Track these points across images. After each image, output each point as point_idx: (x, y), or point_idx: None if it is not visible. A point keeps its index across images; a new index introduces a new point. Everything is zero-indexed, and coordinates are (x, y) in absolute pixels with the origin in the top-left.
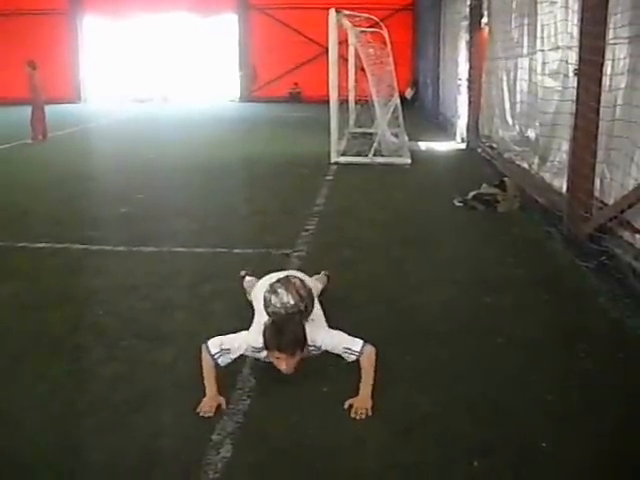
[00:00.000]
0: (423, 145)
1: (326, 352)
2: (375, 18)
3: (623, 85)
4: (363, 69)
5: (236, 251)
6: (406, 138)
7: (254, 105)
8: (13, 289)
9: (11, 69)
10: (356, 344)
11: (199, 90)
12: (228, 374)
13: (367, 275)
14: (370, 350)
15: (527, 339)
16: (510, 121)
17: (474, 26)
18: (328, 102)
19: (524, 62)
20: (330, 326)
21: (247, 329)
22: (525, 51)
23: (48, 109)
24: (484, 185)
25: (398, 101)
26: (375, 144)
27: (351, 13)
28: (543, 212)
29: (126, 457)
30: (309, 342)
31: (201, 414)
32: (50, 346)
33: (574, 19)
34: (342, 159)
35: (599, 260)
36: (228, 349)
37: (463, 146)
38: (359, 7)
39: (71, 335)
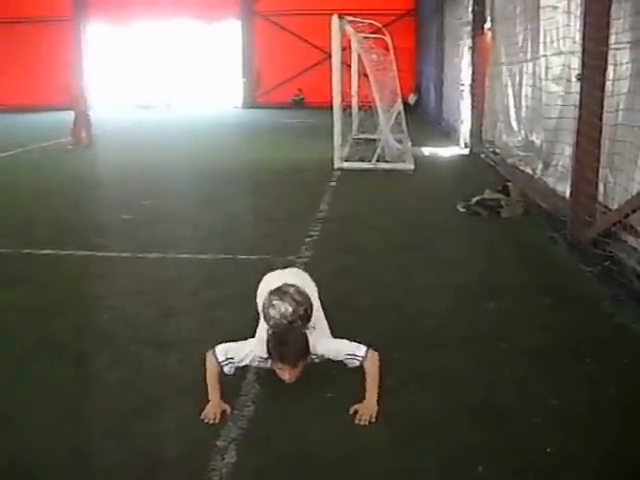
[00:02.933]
0: (426, 151)
1: (329, 360)
2: (378, 24)
3: (626, 90)
4: (366, 75)
5: (240, 257)
6: (409, 144)
7: (257, 111)
8: (18, 295)
9: (14, 76)
10: (360, 350)
11: (203, 96)
12: (233, 380)
13: (370, 281)
14: (374, 355)
15: (531, 344)
16: (513, 126)
17: (477, 31)
18: (331, 108)
19: (527, 67)
20: (333, 332)
21: (252, 335)
22: (528, 56)
23: (53, 115)
24: (487, 190)
25: (401, 107)
26: (378, 150)
27: (354, 19)
28: (547, 217)
29: (131, 463)
30: (311, 351)
31: (206, 421)
32: (55, 351)
33: (576, 24)
34: (345, 165)
35: (603, 265)
36: (233, 358)
37: (466, 151)
38: (362, 13)
39: (76, 341)
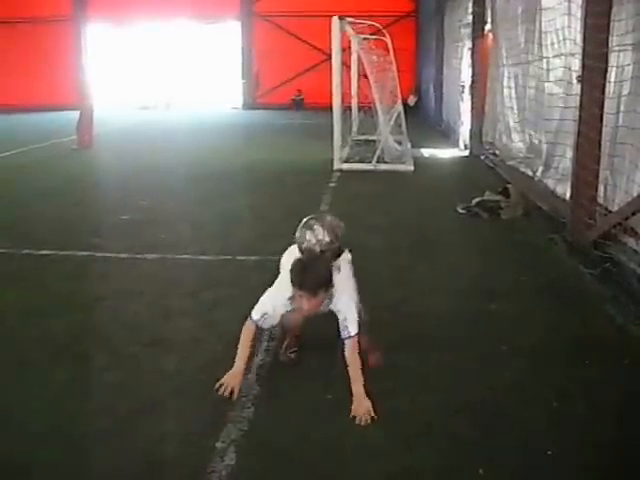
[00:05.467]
0: (426, 152)
1: (330, 312)
2: (378, 25)
3: (627, 92)
4: (366, 76)
5: (239, 258)
6: (409, 145)
7: (257, 112)
8: (18, 295)
9: (15, 76)
10: (353, 327)
11: (202, 97)
12: None
13: (370, 281)
14: (355, 341)
15: (531, 346)
16: (514, 128)
17: (477, 33)
18: (331, 109)
19: (528, 69)
20: (331, 330)
21: None
22: (529, 58)
23: (53, 115)
24: (487, 192)
25: (401, 108)
26: (378, 151)
27: (354, 20)
28: (547, 219)
29: (130, 464)
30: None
31: (220, 391)
32: (54, 352)
33: (577, 26)
34: (345, 166)
35: (603, 267)
36: (266, 313)
37: (466, 153)
38: (362, 14)
39: (75, 341)
